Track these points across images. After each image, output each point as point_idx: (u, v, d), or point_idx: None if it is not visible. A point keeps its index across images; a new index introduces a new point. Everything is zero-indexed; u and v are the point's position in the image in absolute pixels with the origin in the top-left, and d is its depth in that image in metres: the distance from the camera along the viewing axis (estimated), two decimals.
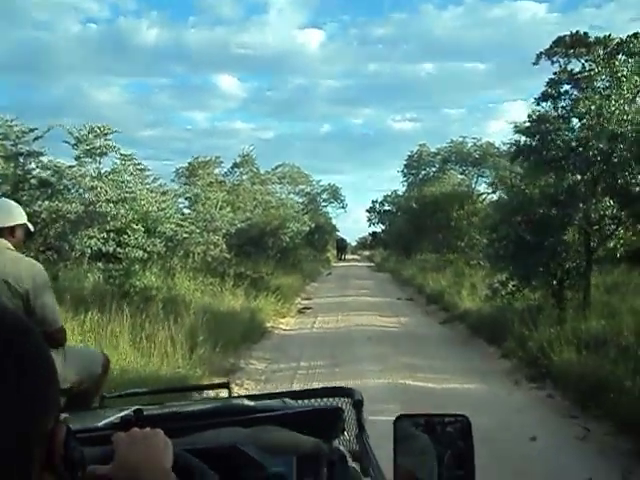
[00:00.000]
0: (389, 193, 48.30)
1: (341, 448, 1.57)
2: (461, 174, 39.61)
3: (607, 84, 10.88)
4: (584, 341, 8.79)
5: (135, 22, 73.17)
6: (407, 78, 70.95)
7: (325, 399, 1.85)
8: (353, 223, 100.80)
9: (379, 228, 51.58)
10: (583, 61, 11.12)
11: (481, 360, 10.37)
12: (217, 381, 5.78)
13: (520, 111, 74.58)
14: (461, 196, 29.28)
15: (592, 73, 10.56)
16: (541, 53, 11.51)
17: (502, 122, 73.08)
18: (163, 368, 8.38)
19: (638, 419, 6.03)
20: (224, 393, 2.34)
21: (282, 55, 72.48)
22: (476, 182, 39.66)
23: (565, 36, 11.16)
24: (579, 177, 11.17)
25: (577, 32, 11.05)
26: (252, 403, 1.78)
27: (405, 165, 44.82)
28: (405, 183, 44.47)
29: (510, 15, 69.06)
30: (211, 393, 4.01)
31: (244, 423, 1.49)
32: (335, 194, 51.29)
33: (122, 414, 1.57)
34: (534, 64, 11.60)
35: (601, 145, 10.54)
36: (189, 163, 26.45)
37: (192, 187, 22.97)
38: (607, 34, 11.02)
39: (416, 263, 27.55)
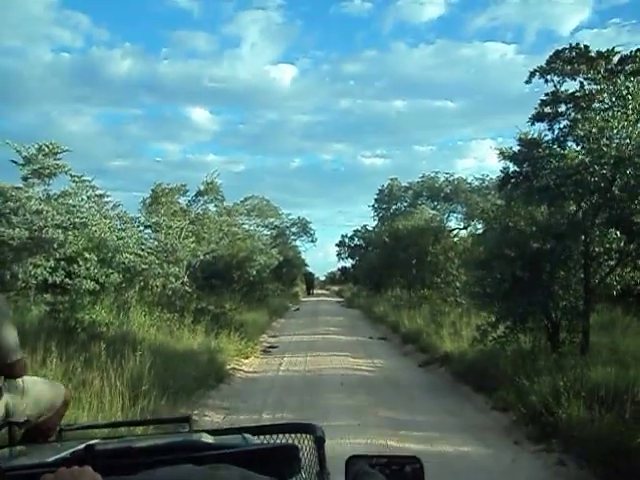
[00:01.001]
0: (359, 228, 47.64)
1: None
2: (433, 209, 39.09)
3: (609, 104, 9.83)
4: (593, 394, 7.54)
5: (108, 52, 72.29)
6: (378, 115, 70.82)
7: (286, 435, 1.78)
8: (323, 258, 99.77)
9: (349, 263, 50.76)
10: (582, 79, 10.06)
11: (472, 413, 9.05)
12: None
13: (488, 150, 74.79)
14: (435, 230, 28.27)
15: (594, 91, 9.49)
16: (535, 71, 10.44)
17: (470, 160, 73.16)
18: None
19: None
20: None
21: (254, 89, 72.02)
22: (447, 217, 39.16)
23: (564, 49, 10.12)
24: (576, 207, 10.04)
25: (577, 44, 10.05)
26: (211, 439, 1.77)
27: (376, 199, 44.37)
28: (376, 218, 44.03)
29: (479, 55, 69.59)
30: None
31: (199, 460, 1.42)
32: (305, 228, 50.53)
33: (74, 449, 1.56)
34: (527, 82, 10.54)
35: (603, 171, 9.43)
36: (152, 190, 25.08)
37: (152, 215, 21.56)
38: (611, 47, 10.00)
39: (388, 299, 26.31)
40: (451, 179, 40.74)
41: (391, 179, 44.41)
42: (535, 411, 7.70)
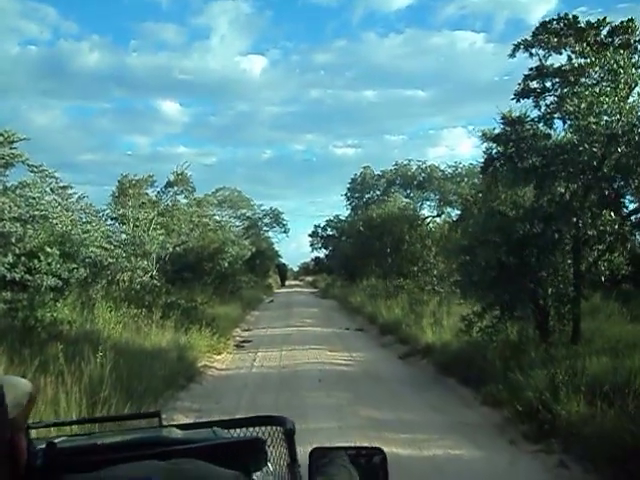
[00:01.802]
0: (332, 218, 47.06)
1: None
2: (406, 197, 38.71)
3: (598, 78, 9.27)
4: (591, 387, 7.00)
5: (76, 45, 70.72)
6: (349, 105, 70.10)
7: (256, 428, 1.77)
8: (296, 249, 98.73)
9: (322, 253, 50.13)
10: (569, 52, 9.49)
11: (459, 409, 8.45)
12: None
13: (459, 138, 74.47)
14: (409, 218, 27.75)
15: (584, 64, 8.92)
16: (519, 44, 9.85)
17: (442, 148, 72.94)
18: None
19: None
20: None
21: (225, 81, 70.90)
22: (421, 205, 38.76)
23: (552, 20, 9.53)
24: (565, 187, 9.48)
25: (566, 14, 9.47)
26: (180, 433, 1.70)
27: (349, 188, 43.90)
28: (349, 207, 43.54)
29: (449, 44, 69.07)
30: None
31: (165, 455, 1.41)
32: (277, 218, 49.88)
33: (38, 447, 1.50)
34: (510, 56, 9.94)
35: (594, 149, 8.88)
36: (119, 181, 24.25)
37: (118, 207, 20.73)
38: (602, 17, 9.44)
39: (364, 289, 25.72)
40: (424, 167, 40.39)
41: (364, 167, 43.95)
42: (530, 407, 7.11)
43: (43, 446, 1.52)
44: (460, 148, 66.88)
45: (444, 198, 38.35)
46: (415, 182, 40.08)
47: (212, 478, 1.38)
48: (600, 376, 7.27)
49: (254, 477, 1.50)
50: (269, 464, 1.62)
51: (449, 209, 36.19)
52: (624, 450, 5.59)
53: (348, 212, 43.28)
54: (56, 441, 1.54)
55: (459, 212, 18.57)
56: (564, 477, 5.76)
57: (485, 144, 10.99)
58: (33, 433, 1.87)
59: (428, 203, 40.00)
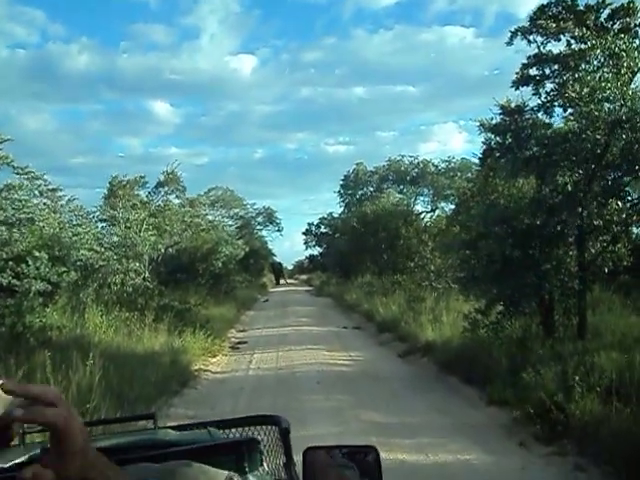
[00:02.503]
0: (325, 215, 46.79)
1: None
2: (399, 193, 38.50)
3: (599, 63, 8.96)
4: (605, 385, 6.68)
5: (64, 47, 70.09)
6: (339, 102, 69.77)
7: (252, 428, 1.80)
8: (289, 247, 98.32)
9: (316, 251, 49.80)
10: (568, 37, 9.16)
11: (465, 410, 8.11)
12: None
13: (451, 133, 74.15)
14: (403, 213, 27.42)
15: (585, 47, 8.60)
16: (517, 30, 9.53)
17: (434, 144, 72.68)
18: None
19: None
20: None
21: (215, 81, 70.46)
22: (414, 201, 38.51)
23: (550, 4, 9.20)
24: (568, 177, 9.16)
25: None
26: (175, 435, 1.74)
27: (342, 185, 43.67)
28: (342, 204, 43.30)
29: (439, 40, 68.72)
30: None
31: (161, 457, 1.43)
32: (270, 217, 49.54)
33: (33, 452, 1.51)
34: (508, 44, 9.62)
35: (597, 136, 8.56)
36: (109, 183, 23.89)
37: (108, 208, 20.34)
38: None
39: (360, 286, 25.37)
40: (416, 162, 40.17)
41: (357, 164, 43.68)
42: (541, 407, 6.77)
43: (38, 451, 1.47)
44: (451, 143, 66.60)
45: (438, 193, 38.16)
46: (408, 178, 39.85)
47: (208, 479, 1.38)
48: (612, 373, 6.94)
49: (250, 477, 1.51)
50: (265, 464, 1.63)
51: (443, 204, 36.03)
52: None
53: (341, 209, 43.06)
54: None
55: (454, 206, 18.20)
56: None
57: (483, 135, 10.70)
58: (28, 438, 1.86)
59: (422, 198, 39.85)
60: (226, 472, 1.40)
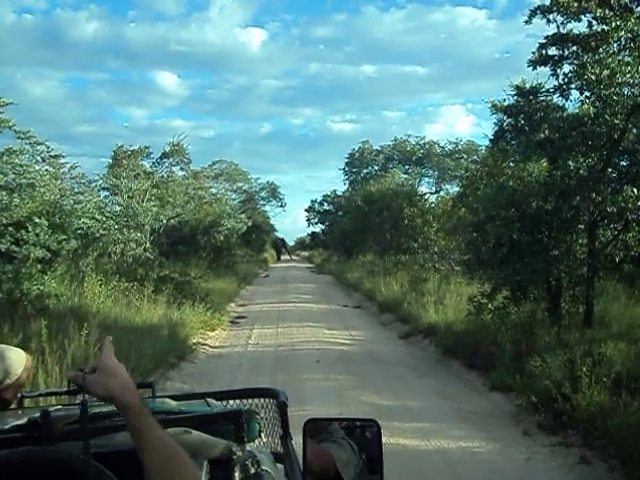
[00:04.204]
0: (329, 193, 46.51)
1: (256, 452, 1.51)
2: (404, 173, 38.31)
3: (620, 46, 8.69)
4: (613, 376, 6.51)
5: (72, 14, 69.47)
6: (347, 79, 69.27)
7: (250, 400, 1.81)
8: (292, 223, 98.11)
9: (318, 228, 49.59)
10: (590, 18, 8.87)
11: (468, 396, 7.95)
12: None
13: (458, 115, 73.61)
14: (409, 194, 27.18)
15: (608, 29, 8.33)
16: (536, 9, 9.23)
17: (440, 125, 72.25)
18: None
19: None
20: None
21: (223, 53, 69.95)
22: (419, 182, 38.33)
23: None
24: (582, 161, 8.92)
25: None
26: (174, 404, 1.73)
27: (347, 163, 43.49)
28: (346, 182, 43.10)
29: (450, 20, 68.02)
30: None
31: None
32: (274, 192, 49.26)
33: (31, 416, 1.52)
34: (526, 23, 9.33)
35: (616, 121, 8.31)
36: (113, 152, 23.58)
37: (111, 177, 20.11)
38: None
39: (362, 265, 25.20)
40: (422, 143, 39.93)
41: (362, 142, 43.42)
42: (546, 396, 6.60)
43: (37, 415, 1.50)
44: (458, 126, 66.26)
45: (443, 175, 37.92)
46: (414, 158, 39.63)
47: (207, 447, 1.41)
48: (621, 364, 6.78)
49: (247, 447, 1.50)
50: (262, 435, 1.64)
51: (447, 186, 35.79)
52: None
53: (345, 187, 42.81)
54: (50, 410, 1.52)
55: (460, 188, 17.97)
56: (589, 476, 5.25)
57: (494, 116, 10.44)
58: (26, 402, 1.91)
59: (426, 179, 39.67)
60: (225, 441, 1.43)
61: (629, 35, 8.51)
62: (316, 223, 49.19)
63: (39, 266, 11.88)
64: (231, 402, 1.83)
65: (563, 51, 8.84)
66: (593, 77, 8.41)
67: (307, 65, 78.65)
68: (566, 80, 8.92)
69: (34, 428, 1.34)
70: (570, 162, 8.92)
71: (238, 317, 15.82)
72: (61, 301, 11.42)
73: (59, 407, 1.71)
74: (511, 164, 10.89)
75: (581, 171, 8.94)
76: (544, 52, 9.08)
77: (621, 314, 9.86)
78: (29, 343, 7.71)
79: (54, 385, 6.42)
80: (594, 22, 8.88)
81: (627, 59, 8.59)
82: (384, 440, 4.69)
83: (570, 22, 9.37)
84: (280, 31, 74.96)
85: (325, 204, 47.46)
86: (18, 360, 2.72)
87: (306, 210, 48.74)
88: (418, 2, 73.90)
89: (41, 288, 11.16)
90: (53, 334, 8.05)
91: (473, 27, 65.66)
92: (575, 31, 9.30)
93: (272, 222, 50.67)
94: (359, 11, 75.58)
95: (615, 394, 6.16)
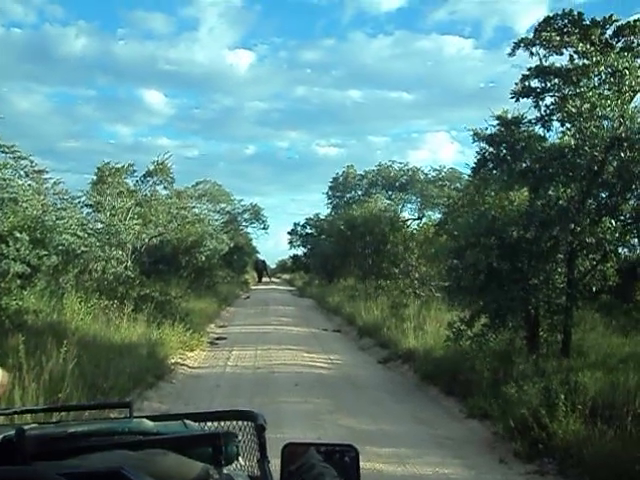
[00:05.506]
0: (312, 216, 46.60)
1: (233, 475, 1.50)
2: (387, 199, 38.48)
3: (600, 80, 8.88)
4: (589, 404, 6.57)
5: (61, 30, 69.38)
6: (334, 104, 69.51)
7: (227, 422, 1.77)
8: (274, 246, 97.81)
9: (300, 251, 49.58)
10: (571, 52, 9.07)
11: (445, 422, 7.98)
12: None
13: (442, 142, 74.16)
14: (392, 219, 27.31)
15: (588, 63, 8.51)
16: (520, 41, 9.43)
17: (424, 152, 72.73)
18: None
19: None
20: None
21: (211, 74, 69.99)
22: (402, 208, 38.50)
23: (555, 16, 9.11)
24: (562, 192, 9.06)
25: (571, 10, 9.05)
26: (151, 424, 1.68)
27: (330, 187, 43.56)
28: (329, 206, 43.19)
29: (437, 48, 68.63)
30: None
31: (136, 445, 1.41)
32: (257, 214, 49.21)
33: (5, 434, 1.46)
34: (510, 55, 9.53)
35: (595, 153, 8.47)
36: (98, 169, 23.50)
37: (94, 194, 20.06)
38: (609, 15, 9.03)
39: (343, 289, 25.24)
40: (406, 169, 40.19)
41: (347, 167, 43.59)
42: (522, 423, 6.65)
43: (12, 432, 1.46)
44: (442, 153, 66.62)
45: (426, 201, 38.15)
46: (397, 184, 39.85)
47: (183, 470, 1.38)
48: (597, 393, 6.85)
49: (225, 470, 1.49)
50: (240, 458, 1.63)
51: (430, 212, 36.01)
52: (630, 475, 5.17)
53: (328, 211, 42.90)
54: (25, 428, 1.46)
55: (441, 215, 18.10)
56: None
57: (476, 145, 10.59)
58: (1, 419, 1.92)
59: (409, 205, 39.87)
60: (202, 464, 1.40)
61: (609, 70, 8.71)
62: (298, 246, 49.23)
63: (18, 281, 11.83)
64: (209, 424, 1.81)
65: (545, 83, 9.02)
66: (574, 110, 8.58)
67: (294, 88, 79.03)
68: (548, 112, 9.11)
69: (8, 447, 1.30)
70: (551, 192, 9.06)
71: (218, 338, 15.75)
72: (40, 317, 11.35)
73: (34, 425, 1.67)
74: (492, 193, 11.02)
75: (561, 201, 9.08)
76: (527, 84, 9.27)
77: (598, 344, 9.98)
78: (6, 359, 7.64)
79: (31, 402, 6.37)
80: (575, 56, 9.11)
81: (607, 93, 8.80)
82: (361, 464, 4.70)
83: (552, 55, 9.63)
84: (268, 54, 75.33)
85: (308, 227, 47.52)
86: None
87: (289, 233, 48.77)
88: (406, 29, 74.80)
89: (20, 303, 11.10)
90: (31, 350, 7.97)
91: (459, 56, 66.34)
92: (557, 64, 9.52)
93: (254, 244, 50.65)
94: (347, 37, 76.21)
95: (591, 423, 6.22)
